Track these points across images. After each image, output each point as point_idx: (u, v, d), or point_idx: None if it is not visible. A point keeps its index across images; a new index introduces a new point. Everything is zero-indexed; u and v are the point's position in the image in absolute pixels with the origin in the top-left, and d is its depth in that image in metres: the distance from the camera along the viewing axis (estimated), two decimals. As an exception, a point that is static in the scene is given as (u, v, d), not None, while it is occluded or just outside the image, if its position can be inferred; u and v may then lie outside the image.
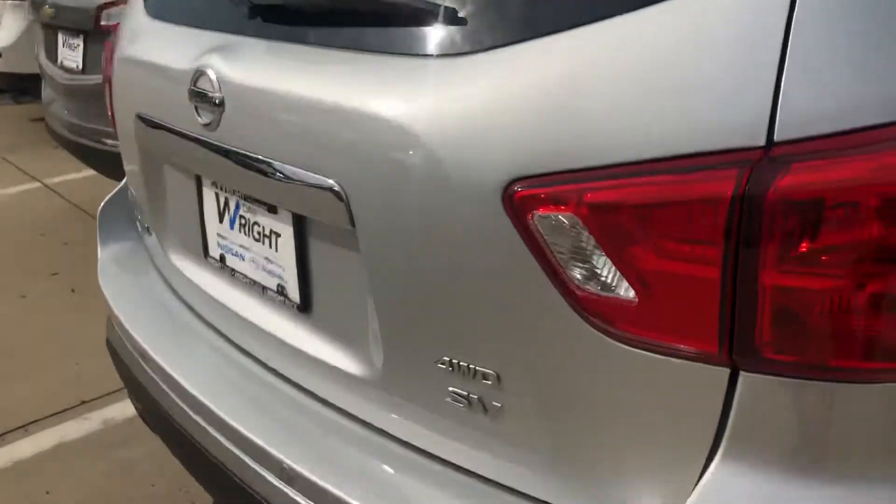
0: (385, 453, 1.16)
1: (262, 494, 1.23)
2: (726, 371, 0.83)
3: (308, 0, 1.19)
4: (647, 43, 0.82)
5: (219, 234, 1.43)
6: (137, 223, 1.82)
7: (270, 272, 1.32)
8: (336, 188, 1.05)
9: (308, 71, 1.12)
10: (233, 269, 1.41)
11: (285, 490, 1.19)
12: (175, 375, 1.42)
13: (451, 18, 0.97)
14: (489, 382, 0.99)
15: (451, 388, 1.04)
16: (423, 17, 0.99)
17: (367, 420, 1.19)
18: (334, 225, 1.11)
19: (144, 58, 1.48)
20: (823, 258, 0.75)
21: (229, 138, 1.22)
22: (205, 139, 1.28)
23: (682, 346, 0.84)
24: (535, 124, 0.87)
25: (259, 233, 1.32)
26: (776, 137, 0.75)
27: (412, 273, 1.02)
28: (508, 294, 0.93)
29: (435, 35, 0.99)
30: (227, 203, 1.38)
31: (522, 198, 0.88)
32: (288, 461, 1.19)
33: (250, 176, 1.21)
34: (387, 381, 1.12)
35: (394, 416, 1.15)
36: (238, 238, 1.38)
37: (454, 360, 1.02)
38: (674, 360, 0.85)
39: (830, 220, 0.74)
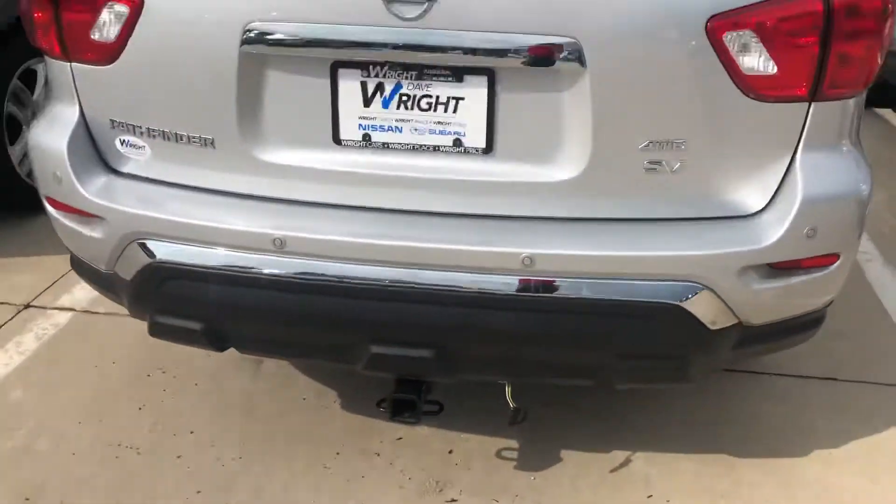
0: (587, 228, 1.74)
1: (509, 297, 1.70)
2: (806, 103, 1.69)
3: None
4: None
5: (361, 117, 1.74)
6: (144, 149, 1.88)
7: (441, 132, 1.73)
8: (578, 45, 1.59)
9: None
10: (385, 143, 1.75)
11: (532, 277, 1.69)
12: (360, 240, 1.72)
13: None
14: (681, 145, 1.68)
15: (647, 161, 1.70)
16: None
17: (563, 215, 1.75)
18: (552, 72, 1.64)
19: None
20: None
21: (441, 24, 1.61)
22: (399, 32, 1.62)
23: (794, 93, 1.68)
24: None
25: (429, 102, 1.71)
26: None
27: (632, 90, 1.64)
28: (701, 85, 1.64)
29: None
30: (380, 87, 1.71)
31: (719, 25, 1.60)
32: (528, 251, 1.69)
33: (447, 55, 1.62)
34: (591, 174, 1.71)
35: (588, 200, 1.74)
36: (393, 115, 1.73)
37: (655, 140, 1.68)
38: (785, 103, 1.68)
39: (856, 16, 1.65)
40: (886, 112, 5.37)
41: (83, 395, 2.53)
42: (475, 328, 1.77)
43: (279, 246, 1.76)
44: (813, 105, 1.70)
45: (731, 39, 1.61)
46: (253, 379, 2.61)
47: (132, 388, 2.57)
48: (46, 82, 2.09)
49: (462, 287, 1.73)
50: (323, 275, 1.77)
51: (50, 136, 1.94)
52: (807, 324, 1.93)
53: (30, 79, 3.54)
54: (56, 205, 1.99)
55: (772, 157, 1.74)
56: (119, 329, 2.84)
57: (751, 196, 1.76)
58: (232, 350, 2.50)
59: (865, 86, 1.74)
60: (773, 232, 1.72)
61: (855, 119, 1.80)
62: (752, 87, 1.65)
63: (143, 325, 2.76)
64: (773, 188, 1.75)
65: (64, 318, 2.92)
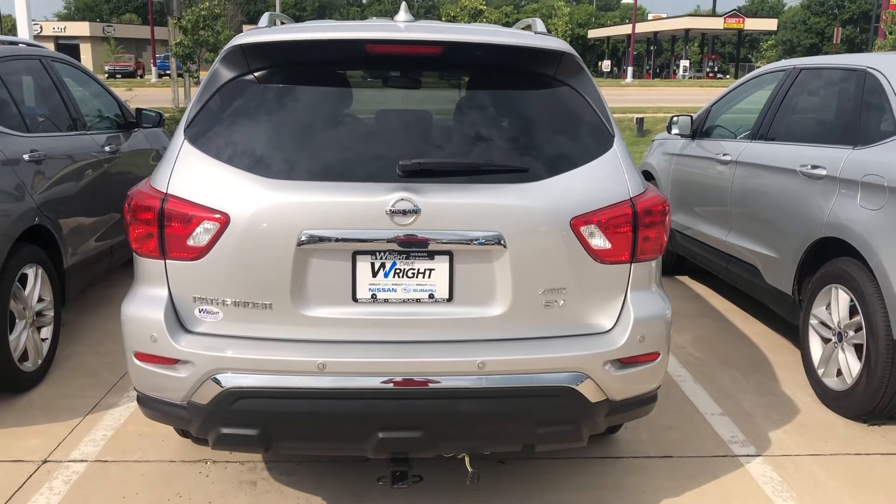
0: (514, 344, 2.84)
1: (471, 389, 2.73)
2: (629, 264, 2.95)
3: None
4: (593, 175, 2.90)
5: (370, 284, 2.80)
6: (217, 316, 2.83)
7: (421, 290, 2.81)
8: (501, 236, 2.77)
9: (474, 191, 2.77)
10: (385, 299, 2.81)
11: (483, 375, 2.75)
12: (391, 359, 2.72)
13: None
14: (563, 290, 2.86)
15: (545, 301, 2.86)
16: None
17: (498, 336, 2.84)
18: (487, 251, 2.79)
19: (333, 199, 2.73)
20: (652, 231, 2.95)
21: (422, 227, 2.74)
22: (396, 233, 2.73)
23: (621, 258, 2.92)
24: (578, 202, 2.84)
25: (413, 272, 2.80)
26: (631, 194, 2.92)
27: (534, 260, 2.81)
28: (570, 256, 2.84)
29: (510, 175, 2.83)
30: (382, 265, 2.80)
31: (577, 222, 2.84)
32: (481, 358, 2.76)
33: (424, 244, 2.74)
34: (513, 310, 2.83)
35: (513, 326, 2.85)
36: (391, 281, 2.80)
37: (548, 288, 2.85)
38: (617, 264, 2.92)
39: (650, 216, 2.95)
40: (684, 278, 6.98)
41: (123, 517, 3.23)
42: (448, 413, 2.77)
43: (321, 369, 2.72)
44: (633, 265, 2.94)
45: (584, 229, 2.84)
46: (255, 494, 3.40)
47: (159, 510, 3.30)
48: (137, 272, 2.97)
49: (439, 386, 2.75)
50: (348, 386, 2.74)
51: (145, 310, 2.84)
52: (647, 400, 3.08)
53: (23, 280, 4.31)
54: (147, 358, 2.85)
55: (614, 295, 2.93)
56: (130, 470, 3.56)
57: (605, 319, 2.94)
58: (231, 472, 3.37)
59: (660, 253, 3.01)
60: (620, 339, 2.89)
61: (657, 272, 3.05)
62: (598, 256, 2.88)
63: (150, 466, 3.56)
64: (617, 313, 2.94)
65: (81, 467, 3.60)
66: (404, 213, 2.72)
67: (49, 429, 3.94)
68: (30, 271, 4.35)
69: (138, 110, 6.31)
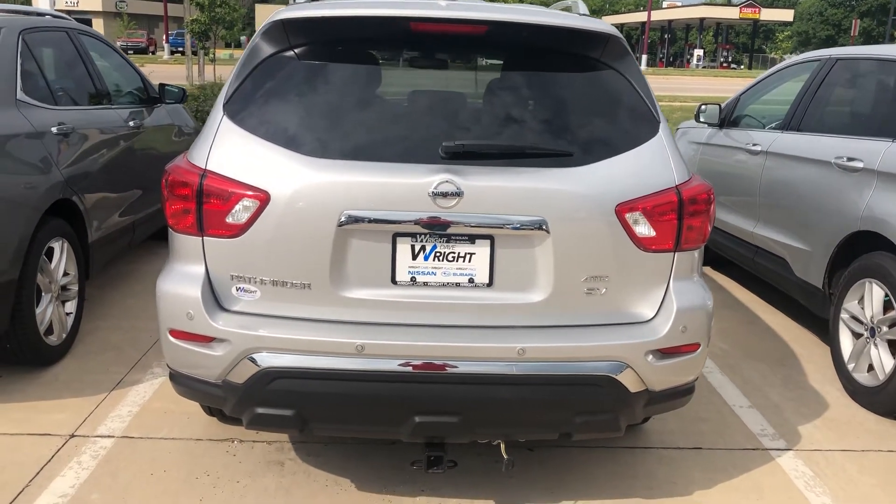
0: (555, 331, 2.80)
1: (510, 375, 2.69)
2: (672, 253, 2.90)
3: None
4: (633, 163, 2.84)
5: (410, 267, 2.76)
6: (253, 295, 2.79)
7: (461, 274, 2.77)
8: (544, 221, 2.72)
9: (513, 174, 2.72)
10: (425, 283, 2.77)
11: (523, 362, 2.71)
12: (428, 343, 2.68)
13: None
14: (606, 278, 2.81)
15: (586, 288, 2.81)
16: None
17: (539, 323, 2.80)
18: (529, 237, 2.74)
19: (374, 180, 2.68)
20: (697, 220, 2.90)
21: (464, 210, 2.69)
22: (438, 216, 2.68)
23: (666, 247, 2.87)
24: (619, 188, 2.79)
25: (453, 256, 2.76)
26: (677, 182, 2.86)
27: (576, 247, 2.76)
28: (614, 243, 2.79)
29: (556, 159, 2.78)
30: (423, 248, 2.75)
31: (622, 209, 2.78)
32: (520, 345, 2.72)
33: (466, 228, 2.69)
34: (554, 297, 2.79)
35: (553, 313, 2.81)
36: (430, 265, 2.76)
37: (590, 276, 2.80)
38: (661, 253, 2.87)
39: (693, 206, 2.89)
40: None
41: (150, 496, 3.21)
42: (487, 399, 2.74)
43: (360, 350, 2.69)
44: (676, 254, 2.89)
45: (629, 217, 2.79)
46: (282, 474, 3.38)
47: (187, 488, 3.27)
48: (173, 248, 2.93)
49: (478, 372, 2.72)
50: (386, 369, 2.71)
51: (182, 287, 2.80)
52: (685, 391, 3.04)
53: (49, 254, 4.29)
54: (182, 335, 2.82)
55: (656, 285, 2.89)
56: (157, 447, 3.55)
57: (647, 308, 2.89)
58: (258, 452, 3.34)
59: (704, 242, 2.96)
60: (662, 329, 2.84)
61: (699, 262, 3.00)
62: (642, 244, 2.83)
63: (177, 444, 3.53)
64: (659, 303, 2.90)
65: (108, 442, 3.58)
66: (446, 195, 2.67)
67: (75, 403, 3.92)
68: (56, 245, 4.32)
69: (161, 85, 6.26)
